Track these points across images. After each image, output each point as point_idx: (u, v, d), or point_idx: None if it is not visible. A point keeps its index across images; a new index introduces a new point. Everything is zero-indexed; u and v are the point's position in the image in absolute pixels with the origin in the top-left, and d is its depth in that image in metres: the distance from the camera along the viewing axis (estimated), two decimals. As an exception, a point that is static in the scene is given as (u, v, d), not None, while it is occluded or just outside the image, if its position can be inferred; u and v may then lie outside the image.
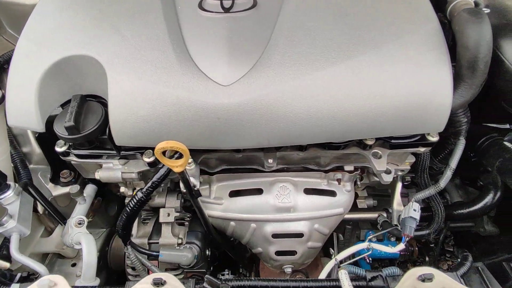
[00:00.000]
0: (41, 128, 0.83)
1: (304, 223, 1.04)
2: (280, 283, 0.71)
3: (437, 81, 0.78)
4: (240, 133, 0.78)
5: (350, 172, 1.07)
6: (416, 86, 0.78)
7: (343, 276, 0.69)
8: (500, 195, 1.13)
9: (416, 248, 1.41)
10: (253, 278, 0.76)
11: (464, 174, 1.46)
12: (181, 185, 0.84)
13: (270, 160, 0.92)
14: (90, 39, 0.83)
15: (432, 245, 1.63)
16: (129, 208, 0.85)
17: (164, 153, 0.80)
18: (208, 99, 0.76)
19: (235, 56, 0.79)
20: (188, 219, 1.14)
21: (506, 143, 1.09)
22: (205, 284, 0.68)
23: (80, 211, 1.14)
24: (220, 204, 1.05)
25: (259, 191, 1.05)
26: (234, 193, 1.06)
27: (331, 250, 1.05)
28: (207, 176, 1.05)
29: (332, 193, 1.07)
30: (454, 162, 1.02)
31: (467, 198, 1.40)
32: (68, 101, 0.87)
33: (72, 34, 0.85)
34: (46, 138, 1.10)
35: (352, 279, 0.70)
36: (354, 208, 1.33)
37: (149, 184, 0.84)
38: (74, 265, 1.25)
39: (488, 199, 1.13)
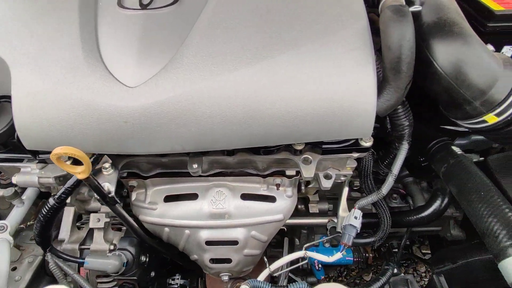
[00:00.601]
0: None
1: (239, 230, 1.00)
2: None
3: (359, 84, 0.73)
4: (150, 138, 0.74)
5: (290, 177, 1.03)
6: (336, 88, 0.73)
7: (242, 292, 0.65)
8: (447, 201, 1.09)
9: (371, 255, 1.37)
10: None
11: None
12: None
13: (195, 165, 0.88)
14: (-2, 37, 0.79)
15: (395, 250, 1.59)
16: (42, 215, 0.81)
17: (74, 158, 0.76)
18: (113, 101, 0.71)
19: (145, 56, 0.75)
20: (127, 223, 1.10)
21: (453, 147, 1.04)
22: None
23: (16, 215, 1.11)
24: (154, 209, 1.01)
25: (194, 196, 1.01)
26: (170, 198, 1.02)
27: (265, 258, 1.01)
28: (141, 180, 1.01)
29: (271, 199, 1.03)
30: (396, 168, 0.97)
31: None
32: (-18, 102, 0.83)
33: (-19, 31, 0.80)
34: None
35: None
36: (307, 212, 1.30)
37: (61, 191, 0.80)
38: (14, 269, 1.22)
39: (436, 206, 1.09)
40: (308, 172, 0.88)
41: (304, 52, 0.74)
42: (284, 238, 1.28)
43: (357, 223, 1.00)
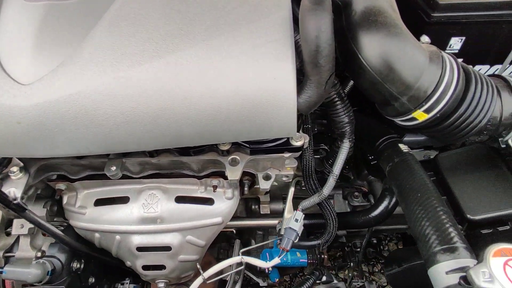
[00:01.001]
0: None
1: (173, 235, 0.94)
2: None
3: (277, 79, 0.67)
4: (49, 140, 0.68)
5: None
6: (252, 84, 0.67)
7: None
8: (395, 201, 1.04)
9: (325, 256, 1.32)
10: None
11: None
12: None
13: (113, 168, 0.82)
14: None
15: (358, 249, 1.55)
16: None
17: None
18: (4, 100, 0.65)
19: (42, 50, 0.68)
20: (61, 228, 1.04)
21: (400, 145, 0.99)
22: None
23: None
24: (83, 213, 0.95)
25: (126, 200, 0.95)
26: (101, 202, 0.96)
27: (198, 265, 0.95)
28: (69, 183, 0.95)
29: (209, 201, 0.98)
30: (337, 168, 0.92)
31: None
32: None
33: None
34: None
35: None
36: (259, 213, 1.24)
37: (-38, 197, 0.74)
38: None
39: (383, 207, 1.04)
40: (233, 174, 0.82)
41: (216, 45, 0.68)
42: (235, 240, 1.23)
43: (297, 226, 0.95)
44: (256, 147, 0.81)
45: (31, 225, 0.94)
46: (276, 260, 0.93)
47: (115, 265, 1.18)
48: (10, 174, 0.78)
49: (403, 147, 0.98)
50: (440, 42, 0.93)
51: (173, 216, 0.94)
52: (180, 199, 0.96)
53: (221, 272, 1.01)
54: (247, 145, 0.81)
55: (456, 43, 0.94)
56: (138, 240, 0.94)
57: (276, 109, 0.69)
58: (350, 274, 1.59)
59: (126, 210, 0.94)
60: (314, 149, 1.19)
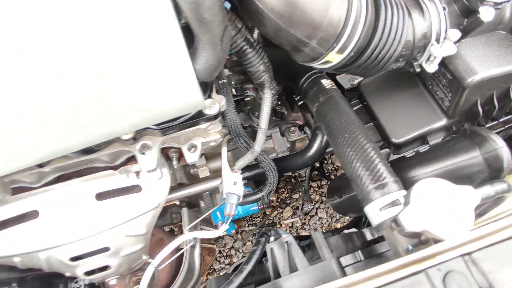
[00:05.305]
0: None
1: (105, 235, 0.86)
2: None
3: (165, 45, 0.53)
4: None
5: (151, 159, 0.86)
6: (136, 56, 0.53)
7: None
8: (326, 139, 1.04)
9: (274, 198, 1.36)
10: None
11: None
12: None
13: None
14: None
15: (303, 178, 1.62)
16: None
17: None
18: None
19: None
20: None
21: (323, 81, 0.94)
22: None
23: None
24: (-12, 242, 0.80)
25: (35, 214, 0.81)
26: (5, 223, 0.81)
27: (144, 256, 0.90)
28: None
29: (136, 189, 0.88)
30: (263, 122, 0.86)
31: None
32: None
33: None
34: None
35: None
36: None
37: None
38: None
39: (317, 145, 1.03)
40: (148, 163, 0.71)
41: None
42: (182, 209, 1.19)
43: (237, 189, 0.92)
44: (166, 126, 0.70)
45: None
46: (224, 227, 0.91)
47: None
48: None
49: (327, 83, 0.93)
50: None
51: (100, 217, 0.84)
52: (101, 196, 0.85)
53: (177, 249, 0.98)
54: (154, 127, 0.69)
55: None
56: (67, 251, 0.84)
57: (172, 84, 0.56)
58: (301, 202, 1.70)
59: (39, 225, 0.81)
60: (238, 98, 1.10)
